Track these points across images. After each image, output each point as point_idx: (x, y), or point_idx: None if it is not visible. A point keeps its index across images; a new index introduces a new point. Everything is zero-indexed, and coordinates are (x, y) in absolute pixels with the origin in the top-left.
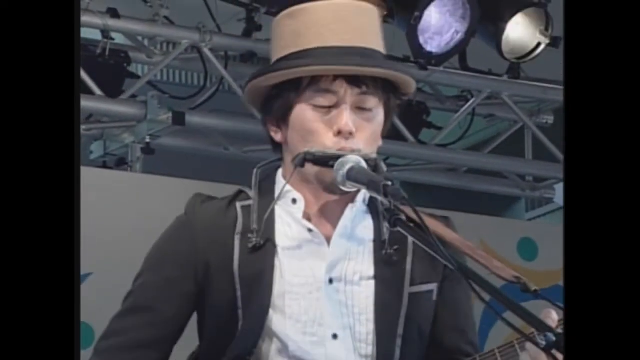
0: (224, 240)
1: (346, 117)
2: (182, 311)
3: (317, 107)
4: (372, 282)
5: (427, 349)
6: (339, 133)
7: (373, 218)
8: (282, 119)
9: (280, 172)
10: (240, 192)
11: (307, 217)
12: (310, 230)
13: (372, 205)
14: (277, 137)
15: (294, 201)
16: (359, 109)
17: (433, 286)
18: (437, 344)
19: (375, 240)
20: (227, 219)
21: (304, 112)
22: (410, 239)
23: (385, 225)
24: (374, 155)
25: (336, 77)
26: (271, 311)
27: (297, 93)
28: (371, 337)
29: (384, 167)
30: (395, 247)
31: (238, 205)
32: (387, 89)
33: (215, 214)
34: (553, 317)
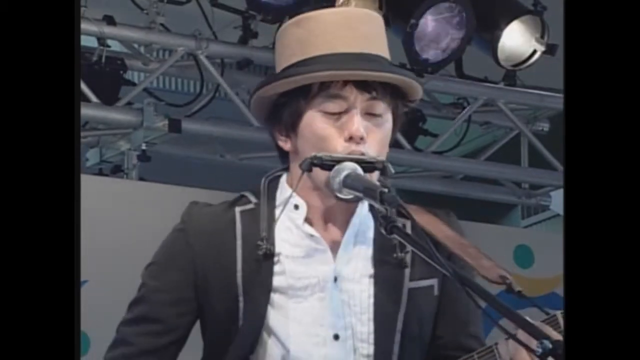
0: (222, 245)
1: (357, 123)
2: (186, 317)
3: (327, 113)
4: (372, 281)
5: (428, 344)
6: (350, 138)
7: (374, 217)
8: (292, 127)
9: (284, 178)
10: (242, 196)
11: (309, 222)
12: (311, 236)
13: (373, 206)
14: (286, 146)
15: (296, 207)
16: (369, 114)
17: (434, 281)
18: (437, 338)
19: (375, 240)
20: (223, 224)
21: (314, 119)
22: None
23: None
24: (382, 158)
25: (346, 83)
26: (273, 313)
27: (306, 100)
28: (372, 337)
29: (392, 170)
30: (404, 249)
31: (237, 210)
32: (395, 95)
33: (210, 219)
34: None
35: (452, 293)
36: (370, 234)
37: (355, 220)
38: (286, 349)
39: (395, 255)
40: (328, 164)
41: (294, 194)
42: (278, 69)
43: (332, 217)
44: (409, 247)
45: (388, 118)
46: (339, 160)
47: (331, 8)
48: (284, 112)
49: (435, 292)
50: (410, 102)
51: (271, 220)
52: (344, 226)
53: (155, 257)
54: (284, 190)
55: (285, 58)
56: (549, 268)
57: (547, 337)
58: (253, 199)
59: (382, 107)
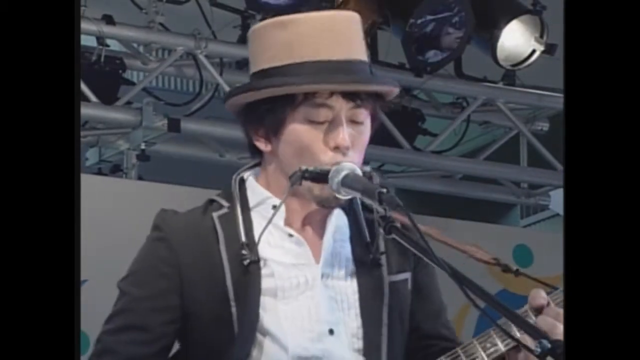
0: (207, 252)
1: (343, 133)
2: (172, 325)
3: (312, 122)
4: (355, 278)
5: (407, 335)
6: (336, 148)
7: (348, 216)
8: (274, 132)
9: (251, 179)
10: (212, 201)
11: (287, 223)
12: (290, 235)
13: (345, 204)
14: (265, 147)
15: (274, 207)
16: (352, 122)
17: (407, 275)
18: (416, 330)
19: (352, 238)
20: (204, 230)
21: (299, 127)
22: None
23: (367, 226)
24: (368, 168)
25: (332, 93)
26: (265, 315)
27: (291, 107)
28: (361, 332)
29: (378, 179)
30: (380, 250)
31: (214, 215)
32: (376, 100)
33: (189, 226)
34: (542, 294)
35: (426, 286)
36: (347, 232)
37: (332, 220)
38: (284, 347)
39: (370, 252)
40: (318, 177)
41: (271, 194)
42: (255, 68)
43: (309, 217)
44: (393, 245)
45: (368, 124)
46: (329, 173)
47: (316, 12)
48: (267, 117)
49: (409, 286)
50: (389, 102)
51: (248, 224)
52: (321, 225)
53: (134, 267)
54: (255, 191)
55: (266, 59)
56: (548, 268)
57: (546, 337)
58: (225, 203)
59: (364, 115)
